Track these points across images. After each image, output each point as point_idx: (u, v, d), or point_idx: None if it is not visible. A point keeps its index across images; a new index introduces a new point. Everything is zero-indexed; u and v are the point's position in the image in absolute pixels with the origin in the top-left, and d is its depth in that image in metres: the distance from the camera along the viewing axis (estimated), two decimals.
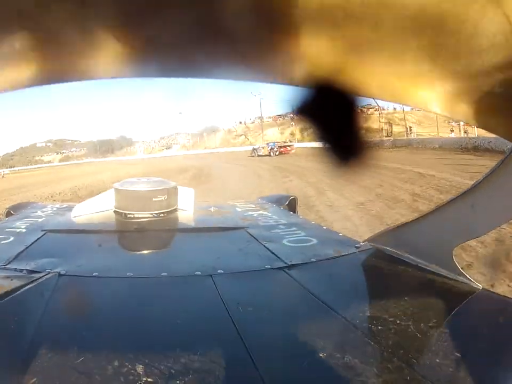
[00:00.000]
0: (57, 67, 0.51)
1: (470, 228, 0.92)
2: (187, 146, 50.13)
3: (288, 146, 23.16)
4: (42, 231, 1.51)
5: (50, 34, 0.44)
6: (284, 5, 0.44)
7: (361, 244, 1.28)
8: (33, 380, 0.61)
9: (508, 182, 0.81)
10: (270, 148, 22.67)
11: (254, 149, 24.78)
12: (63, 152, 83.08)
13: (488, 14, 0.44)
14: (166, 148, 52.42)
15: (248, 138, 41.11)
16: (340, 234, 1.51)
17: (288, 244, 1.36)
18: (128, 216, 1.77)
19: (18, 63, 0.49)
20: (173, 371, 0.66)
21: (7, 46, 0.44)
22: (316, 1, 0.44)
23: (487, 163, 6.79)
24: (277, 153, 21.65)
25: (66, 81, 0.55)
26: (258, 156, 22.61)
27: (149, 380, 0.61)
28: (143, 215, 1.77)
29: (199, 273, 1.06)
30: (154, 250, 1.49)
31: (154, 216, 1.78)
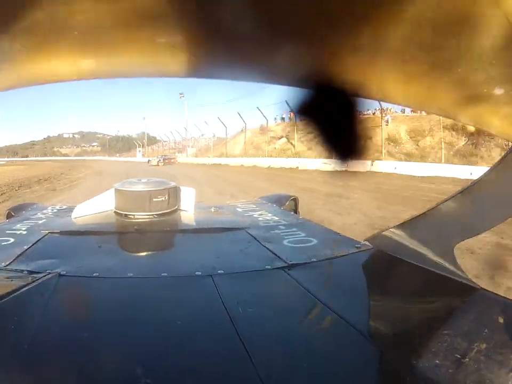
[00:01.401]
0: (59, 66, 0.52)
1: (470, 226, 0.93)
2: (197, 152, 38.45)
3: (172, 159, 33.39)
4: (42, 232, 1.51)
5: (49, 34, 0.45)
6: (284, 7, 0.44)
7: (362, 243, 1.29)
8: (33, 380, 0.61)
9: (508, 180, 0.81)
10: (158, 159, 31.78)
11: (149, 160, 34.08)
12: (82, 146, 79.91)
13: (488, 14, 0.44)
14: (178, 152, 42.43)
15: (292, 144, 23.20)
16: (340, 234, 1.51)
17: (288, 244, 1.36)
18: (129, 216, 1.77)
19: (22, 61, 0.49)
20: (172, 371, 0.66)
21: (10, 45, 0.44)
22: (316, 2, 0.44)
23: None
24: (162, 163, 30.24)
25: (70, 80, 0.55)
26: (151, 165, 30.37)
27: (149, 380, 0.61)
28: (143, 215, 1.77)
29: (199, 273, 1.06)
30: (154, 251, 1.49)
31: (154, 217, 1.78)
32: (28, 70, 0.51)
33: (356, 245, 1.28)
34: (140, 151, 53.55)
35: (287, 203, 2.18)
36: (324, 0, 0.44)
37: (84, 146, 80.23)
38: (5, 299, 0.85)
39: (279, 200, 2.23)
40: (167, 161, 31.77)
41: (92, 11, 0.42)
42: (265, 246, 1.32)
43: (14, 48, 0.46)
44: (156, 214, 1.79)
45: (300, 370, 0.66)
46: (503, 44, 0.46)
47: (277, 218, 1.79)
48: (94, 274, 1.05)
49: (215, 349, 0.72)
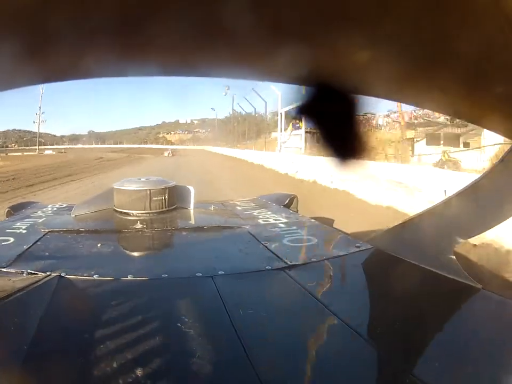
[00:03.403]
0: (58, 65, 0.52)
1: (469, 226, 0.93)
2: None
3: (174, 152, 41.16)
4: (42, 231, 1.51)
5: (50, 33, 0.44)
6: (285, 5, 0.44)
7: (362, 243, 1.29)
8: (34, 381, 0.61)
9: (507, 180, 0.81)
10: (167, 153, 39.93)
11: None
12: (195, 131, 72.66)
13: (488, 14, 0.44)
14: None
15: None
16: (341, 233, 1.51)
17: (288, 243, 1.36)
18: (128, 215, 1.78)
19: (18, 61, 0.49)
20: (173, 372, 0.66)
21: (8, 45, 0.44)
22: (316, 1, 0.44)
23: None
24: (170, 155, 37.98)
25: (68, 79, 0.55)
26: (165, 156, 38.61)
27: (149, 381, 0.61)
28: (142, 214, 1.77)
29: (200, 274, 1.06)
30: (154, 251, 1.50)
31: (154, 215, 1.78)
32: (27, 69, 0.51)
33: (356, 245, 1.28)
34: (285, 130, 21.90)
35: (287, 202, 2.18)
36: None
37: (197, 131, 71.12)
38: (6, 300, 0.85)
39: (279, 199, 2.23)
40: (171, 154, 39.50)
41: (90, 11, 0.42)
42: (265, 246, 1.32)
43: (10, 49, 0.46)
44: (155, 213, 1.79)
45: (299, 371, 0.66)
46: (502, 43, 0.46)
47: (276, 216, 1.79)
48: (95, 276, 1.04)
49: (215, 350, 0.72)
